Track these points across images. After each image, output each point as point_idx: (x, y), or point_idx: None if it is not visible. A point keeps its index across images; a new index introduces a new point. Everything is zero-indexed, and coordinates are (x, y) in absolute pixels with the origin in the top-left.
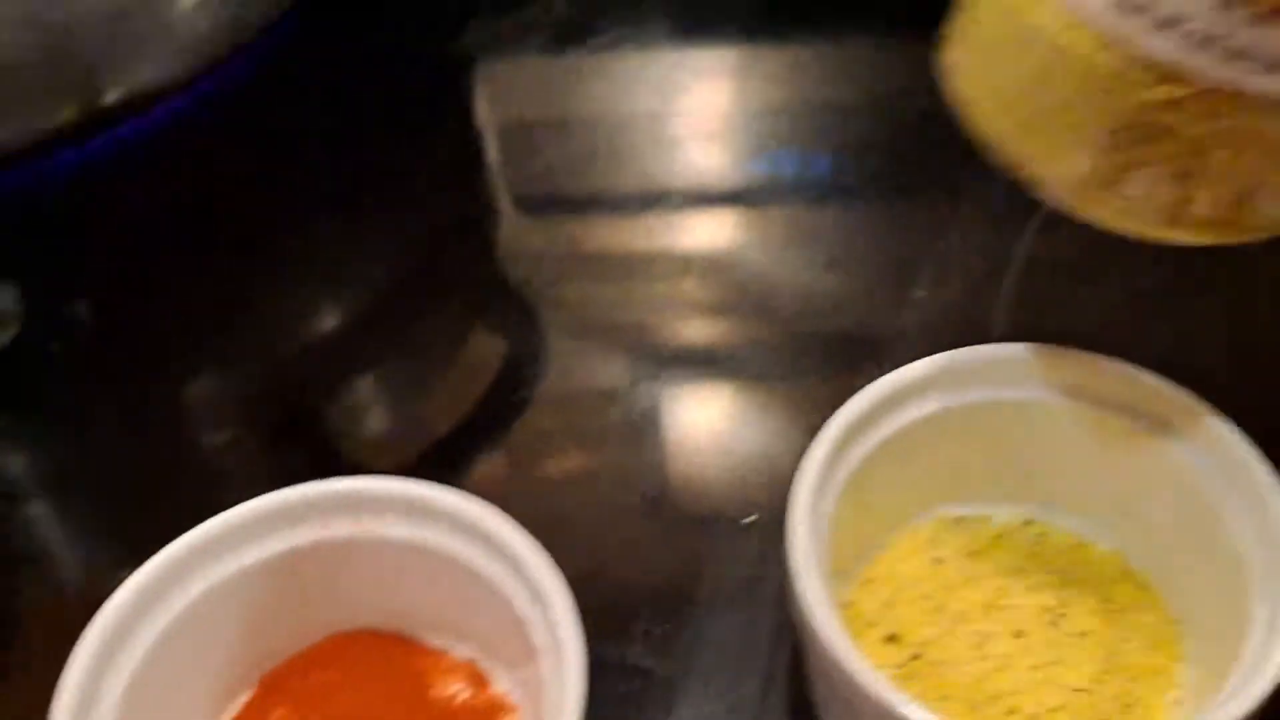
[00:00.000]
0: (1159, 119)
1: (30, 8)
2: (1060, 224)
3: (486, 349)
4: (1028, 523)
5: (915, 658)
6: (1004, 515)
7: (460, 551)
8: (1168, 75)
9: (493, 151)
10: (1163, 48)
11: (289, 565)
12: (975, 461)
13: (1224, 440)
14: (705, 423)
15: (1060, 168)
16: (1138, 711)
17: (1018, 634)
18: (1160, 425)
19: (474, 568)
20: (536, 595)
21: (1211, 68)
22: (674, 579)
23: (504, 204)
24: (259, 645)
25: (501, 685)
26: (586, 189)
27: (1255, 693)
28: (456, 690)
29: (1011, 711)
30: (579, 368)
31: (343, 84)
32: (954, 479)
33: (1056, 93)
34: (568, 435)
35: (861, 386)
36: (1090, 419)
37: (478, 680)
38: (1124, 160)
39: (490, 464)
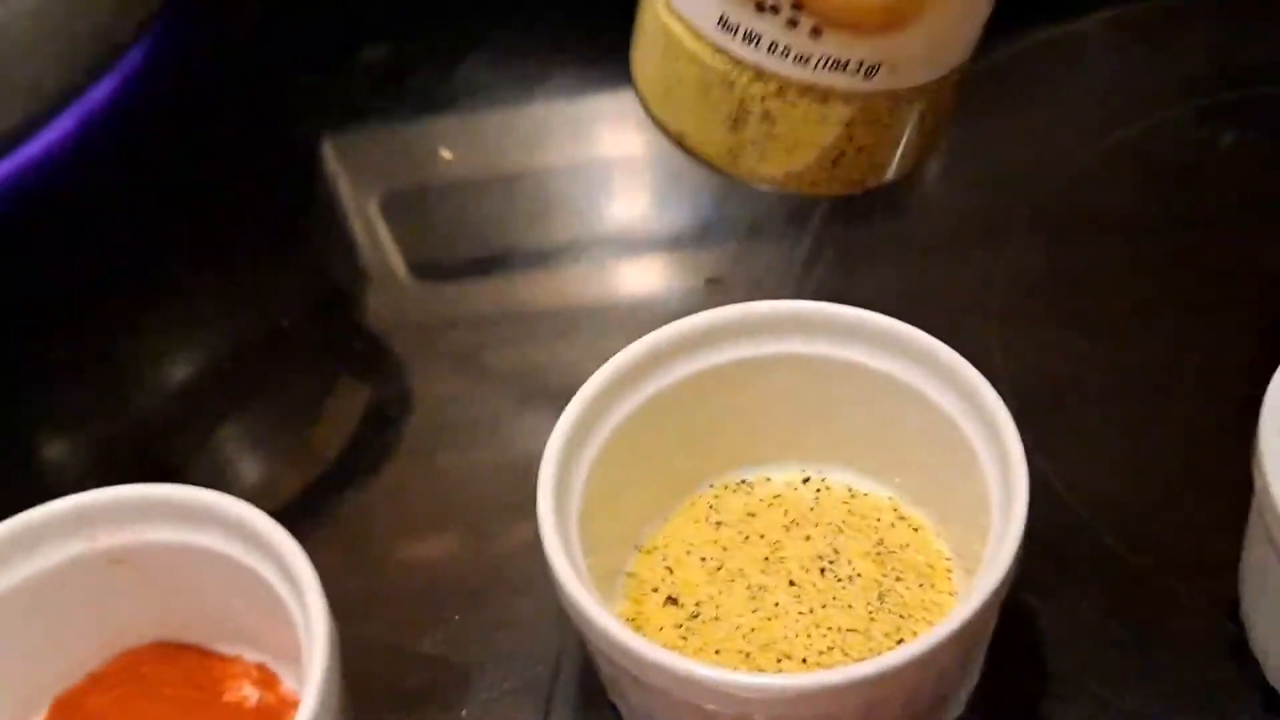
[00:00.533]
0: (761, 106)
1: None
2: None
3: (350, 408)
4: (806, 480)
5: (694, 617)
6: (783, 474)
7: (233, 553)
8: (761, 74)
9: (379, 219)
10: (752, 54)
11: (60, 582)
12: (747, 424)
13: (965, 377)
14: None
15: (703, 142)
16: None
17: (791, 583)
18: (916, 372)
19: (245, 567)
20: (290, 581)
21: (787, 68)
22: (471, 574)
23: (399, 270)
24: (49, 667)
25: (290, 684)
26: (491, 249)
27: (977, 598)
28: (249, 693)
29: (784, 657)
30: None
31: (204, 141)
32: (731, 445)
33: (693, 86)
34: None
35: None
36: (851, 369)
37: (268, 682)
38: (743, 136)
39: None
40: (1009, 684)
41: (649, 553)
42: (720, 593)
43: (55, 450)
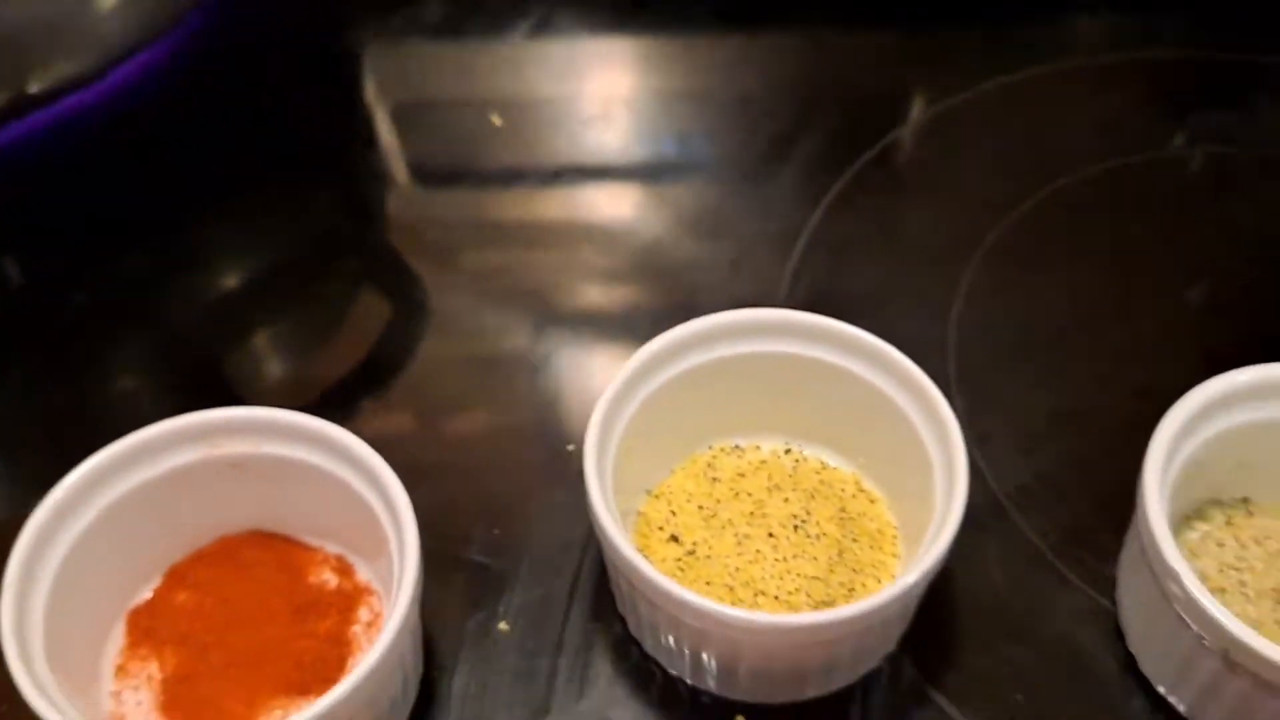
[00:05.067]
0: None
1: None
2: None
3: (376, 309)
4: (787, 450)
5: (690, 553)
6: (768, 445)
7: (327, 466)
8: None
9: (387, 131)
10: None
11: (186, 478)
12: (745, 402)
13: (914, 376)
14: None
15: None
16: (859, 593)
17: (770, 535)
18: (876, 370)
19: (339, 479)
20: (387, 502)
21: None
22: (507, 496)
23: (401, 178)
24: (164, 544)
25: (363, 575)
26: (484, 164)
27: (923, 566)
28: (328, 578)
29: (759, 593)
30: (474, 326)
31: (245, 72)
32: (729, 417)
33: None
34: (456, 388)
35: None
36: (831, 368)
37: (345, 570)
38: None
39: (377, 408)
40: (929, 630)
41: (657, 497)
42: (713, 537)
43: (119, 347)
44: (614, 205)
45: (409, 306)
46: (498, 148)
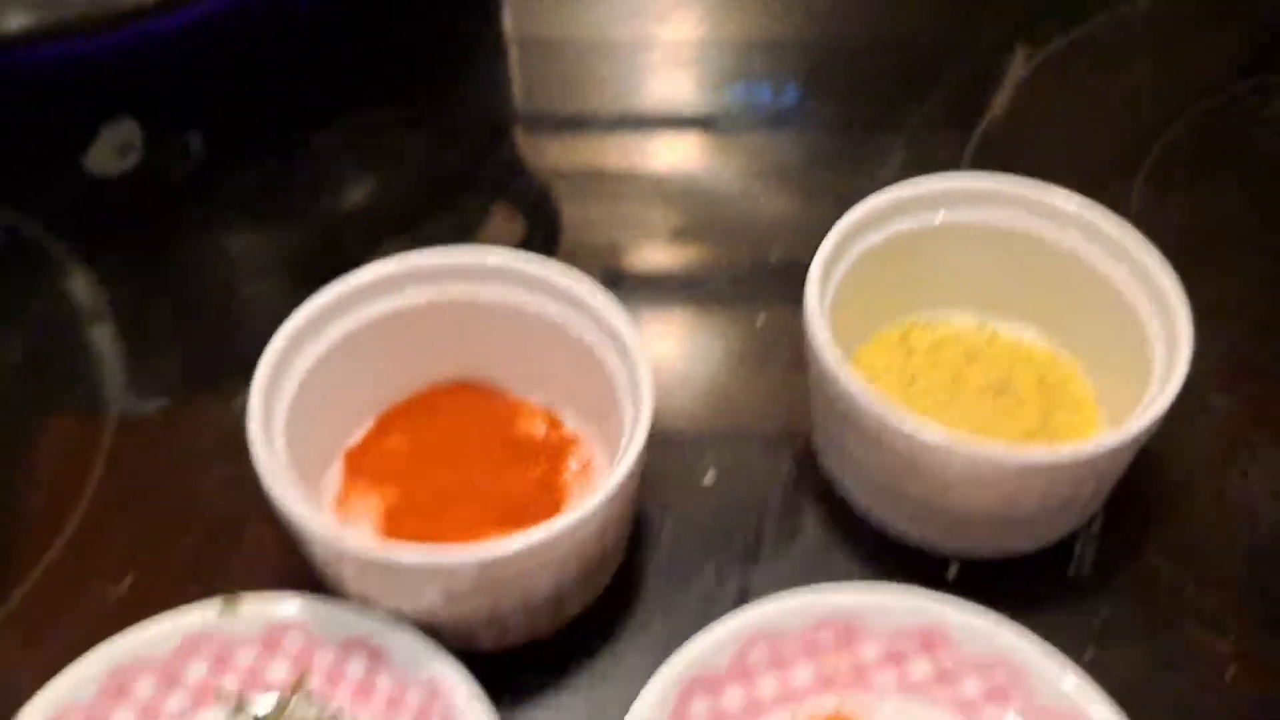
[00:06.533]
0: None
1: None
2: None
3: (504, 230)
4: (981, 325)
5: None
6: (961, 319)
7: (558, 317)
8: None
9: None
10: None
11: (410, 319)
12: (937, 276)
13: (1124, 236)
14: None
15: None
16: None
17: (972, 399)
18: (1078, 233)
19: (573, 334)
20: (623, 352)
21: None
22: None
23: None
24: (379, 388)
25: (571, 425)
26: (572, 109)
27: (1147, 417)
28: (537, 427)
29: None
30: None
31: None
32: (921, 291)
33: None
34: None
35: None
36: (1031, 238)
37: (553, 422)
38: None
39: None
40: (1131, 495)
41: (854, 365)
42: (914, 402)
43: (268, 246)
44: (716, 153)
45: (539, 226)
46: (578, 93)
